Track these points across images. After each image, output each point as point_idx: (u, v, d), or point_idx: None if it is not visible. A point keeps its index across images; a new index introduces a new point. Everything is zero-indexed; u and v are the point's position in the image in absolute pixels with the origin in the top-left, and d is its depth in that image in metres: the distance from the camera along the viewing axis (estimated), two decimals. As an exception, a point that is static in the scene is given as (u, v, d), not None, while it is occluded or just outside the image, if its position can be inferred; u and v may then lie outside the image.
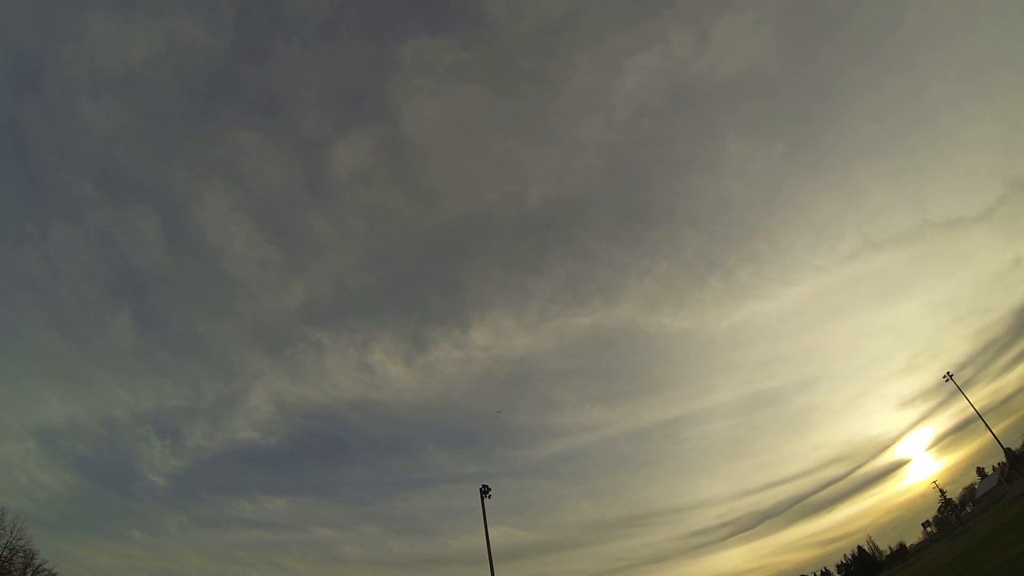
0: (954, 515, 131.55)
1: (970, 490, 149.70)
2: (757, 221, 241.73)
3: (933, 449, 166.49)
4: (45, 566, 61.72)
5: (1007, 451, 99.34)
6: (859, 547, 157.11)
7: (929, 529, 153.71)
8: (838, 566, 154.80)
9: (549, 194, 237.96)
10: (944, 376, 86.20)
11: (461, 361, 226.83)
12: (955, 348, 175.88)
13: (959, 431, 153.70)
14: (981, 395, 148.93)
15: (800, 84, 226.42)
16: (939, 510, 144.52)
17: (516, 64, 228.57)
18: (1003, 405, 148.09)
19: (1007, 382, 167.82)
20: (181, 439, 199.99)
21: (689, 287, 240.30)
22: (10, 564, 58.41)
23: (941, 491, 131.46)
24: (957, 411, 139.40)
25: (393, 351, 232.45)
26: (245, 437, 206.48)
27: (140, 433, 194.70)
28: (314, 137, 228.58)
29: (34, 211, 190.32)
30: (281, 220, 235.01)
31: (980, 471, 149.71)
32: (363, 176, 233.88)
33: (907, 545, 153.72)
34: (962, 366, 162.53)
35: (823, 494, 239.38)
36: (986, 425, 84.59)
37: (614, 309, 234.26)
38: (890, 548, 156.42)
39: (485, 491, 42.18)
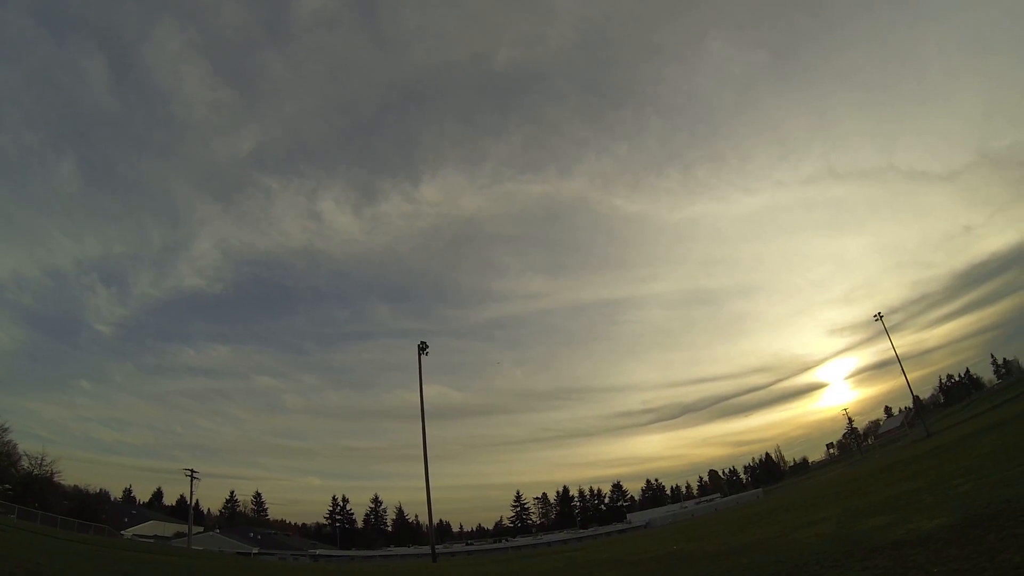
0: (856, 443, 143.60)
1: (875, 424, 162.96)
2: (724, 123, 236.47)
3: (851, 380, 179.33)
4: (-2, 421, 61.24)
5: (915, 398, 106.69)
6: (767, 454, 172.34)
7: (831, 451, 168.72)
8: (745, 467, 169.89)
9: (517, 58, 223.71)
10: (875, 315, 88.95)
11: (410, 215, 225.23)
12: (891, 292, 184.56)
13: (877, 369, 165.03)
14: (905, 342, 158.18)
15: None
16: (844, 436, 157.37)
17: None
18: (922, 356, 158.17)
19: (930, 336, 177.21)
20: (127, 287, 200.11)
21: (646, 173, 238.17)
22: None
23: (849, 419, 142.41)
24: (880, 351, 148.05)
25: (343, 200, 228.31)
26: (191, 284, 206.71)
27: (85, 282, 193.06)
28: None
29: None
30: (236, 61, 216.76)
31: (888, 410, 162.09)
32: (326, 19, 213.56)
33: (809, 461, 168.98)
34: (894, 310, 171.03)
35: (744, 399, 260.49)
36: (903, 370, 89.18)
37: (568, 182, 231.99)
38: (794, 460, 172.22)
39: (423, 348, 41.62)
